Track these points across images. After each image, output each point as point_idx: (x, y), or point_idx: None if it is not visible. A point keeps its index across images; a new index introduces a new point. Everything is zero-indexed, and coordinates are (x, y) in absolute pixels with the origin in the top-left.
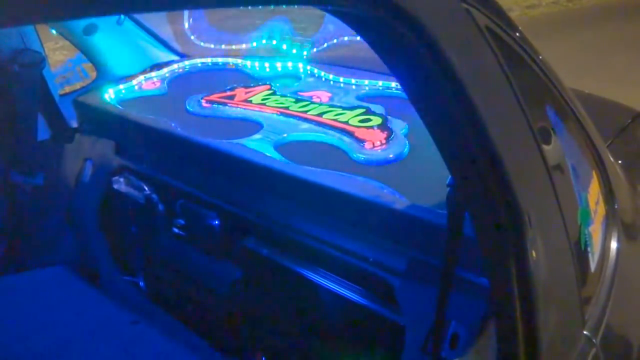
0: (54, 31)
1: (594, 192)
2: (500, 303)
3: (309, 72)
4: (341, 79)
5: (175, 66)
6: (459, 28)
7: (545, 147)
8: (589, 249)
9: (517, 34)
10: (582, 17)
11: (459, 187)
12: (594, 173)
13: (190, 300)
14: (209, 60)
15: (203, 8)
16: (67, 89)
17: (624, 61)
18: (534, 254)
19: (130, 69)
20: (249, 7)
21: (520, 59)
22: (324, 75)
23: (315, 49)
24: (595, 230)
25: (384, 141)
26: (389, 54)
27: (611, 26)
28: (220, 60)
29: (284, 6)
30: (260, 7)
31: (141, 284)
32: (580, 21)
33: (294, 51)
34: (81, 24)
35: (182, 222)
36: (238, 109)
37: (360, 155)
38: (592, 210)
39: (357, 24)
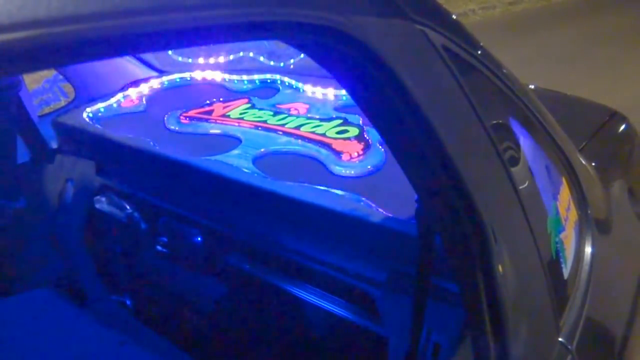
0: None
1: (564, 199)
2: (470, 316)
3: (286, 84)
4: (318, 90)
5: (153, 82)
6: (414, 50)
7: (509, 161)
8: (560, 256)
9: (479, 51)
10: (565, 12)
11: (423, 204)
12: (563, 180)
13: (176, 318)
14: (187, 75)
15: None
16: (47, 109)
17: (604, 56)
18: (500, 268)
19: (109, 87)
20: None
21: (480, 74)
22: (302, 86)
23: (292, 60)
24: (567, 237)
25: (361, 152)
26: (346, 81)
27: (594, 21)
28: (198, 75)
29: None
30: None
31: (128, 302)
32: (563, 16)
33: (271, 63)
34: None
35: (165, 240)
36: (216, 124)
37: (338, 168)
38: (563, 218)
39: (310, 51)
